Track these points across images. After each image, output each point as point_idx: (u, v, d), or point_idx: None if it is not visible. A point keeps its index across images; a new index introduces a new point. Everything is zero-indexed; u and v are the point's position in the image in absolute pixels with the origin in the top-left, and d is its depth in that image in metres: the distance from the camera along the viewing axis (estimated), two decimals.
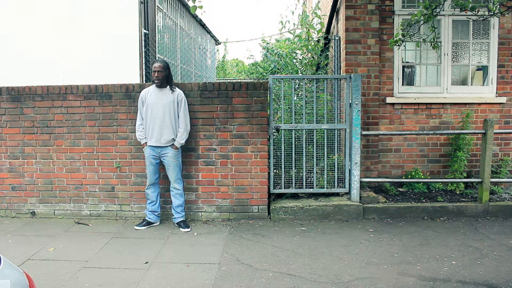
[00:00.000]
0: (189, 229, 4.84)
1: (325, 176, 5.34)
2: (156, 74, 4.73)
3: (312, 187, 5.41)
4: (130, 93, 5.19)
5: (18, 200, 5.41)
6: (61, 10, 7.13)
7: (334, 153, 5.40)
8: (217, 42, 16.80)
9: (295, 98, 5.61)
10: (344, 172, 5.40)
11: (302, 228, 4.88)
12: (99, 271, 3.78)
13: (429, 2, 4.39)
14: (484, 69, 6.20)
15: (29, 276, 2.02)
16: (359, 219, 5.15)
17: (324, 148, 5.33)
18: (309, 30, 7.40)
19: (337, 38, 6.21)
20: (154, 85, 4.83)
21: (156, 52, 8.04)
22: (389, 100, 6.03)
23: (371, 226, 4.91)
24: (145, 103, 4.81)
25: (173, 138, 4.80)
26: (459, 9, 4.38)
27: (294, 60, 7.68)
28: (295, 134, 5.37)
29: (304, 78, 5.72)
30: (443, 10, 5.67)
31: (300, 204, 5.22)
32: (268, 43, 8.88)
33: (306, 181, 5.41)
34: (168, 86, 4.81)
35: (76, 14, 7.09)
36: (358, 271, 3.71)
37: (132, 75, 7.05)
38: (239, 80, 10.56)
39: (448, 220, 5.10)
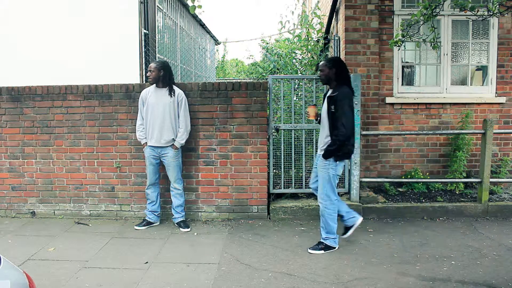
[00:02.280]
0: (189, 229, 4.84)
1: None
2: (147, 74, 4.77)
3: None
4: (130, 93, 5.19)
5: (18, 200, 5.41)
6: (61, 10, 7.13)
7: None
8: (216, 42, 16.81)
9: (294, 98, 5.61)
10: (344, 172, 5.41)
11: (302, 228, 4.88)
12: (99, 271, 3.79)
13: (429, 2, 4.39)
14: (483, 69, 6.21)
15: (29, 276, 2.02)
16: None
17: None
18: (308, 30, 7.40)
19: (336, 38, 6.21)
20: (155, 85, 4.83)
21: (156, 52, 8.04)
22: (388, 100, 6.03)
23: (370, 226, 4.91)
24: (145, 103, 4.81)
25: (173, 138, 4.80)
26: (458, 9, 4.39)
27: (294, 60, 7.67)
28: (294, 134, 5.38)
29: (303, 78, 5.72)
30: (443, 10, 5.67)
31: (300, 204, 5.23)
32: (267, 43, 8.88)
33: (305, 181, 5.41)
34: (168, 86, 4.80)
35: (76, 14, 7.10)
36: (358, 271, 3.72)
37: (132, 75, 7.05)
38: (238, 80, 10.57)
39: (448, 220, 5.11)
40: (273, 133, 5.30)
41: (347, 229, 4.37)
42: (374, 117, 5.97)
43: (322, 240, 4.22)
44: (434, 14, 4.46)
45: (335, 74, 4.07)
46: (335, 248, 4.20)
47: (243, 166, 5.17)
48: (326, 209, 4.14)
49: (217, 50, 17.86)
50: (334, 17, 6.72)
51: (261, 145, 5.17)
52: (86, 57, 7.02)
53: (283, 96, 5.44)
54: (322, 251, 4.15)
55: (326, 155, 4.03)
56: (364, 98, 5.85)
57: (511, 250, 4.15)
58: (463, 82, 6.25)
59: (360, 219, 4.37)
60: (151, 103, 4.77)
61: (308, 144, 5.43)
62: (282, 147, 5.35)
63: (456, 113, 6.07)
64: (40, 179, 5.36)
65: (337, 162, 4.06)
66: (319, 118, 4.36)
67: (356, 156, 5.22)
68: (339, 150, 3.99)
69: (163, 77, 4.75)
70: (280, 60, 7.55)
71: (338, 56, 6.17)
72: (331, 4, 6.56)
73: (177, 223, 4.95)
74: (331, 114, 4.02)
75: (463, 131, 5.66)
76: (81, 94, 5.24)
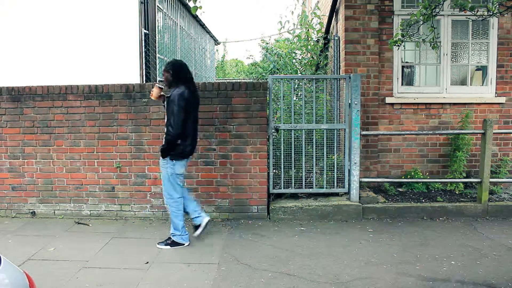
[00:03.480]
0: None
1: (325, 176, 5.35)
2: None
3: (312, 187, 5.42)
4: (130, 93, 5.19)
5: (18, 200, 5.41)
6: (61, 10, 7.13)
7: (334, 153, 5.41)
8: (216, 42, 16.82)
9: (294, 98, 5.62)
10: (344, 172, 5.41)
11: (302, 228, 4.88)
12: (99, 271, 3.79)
13: (429, 2, 4.40)
14: (483, 69, 6.21)
15: (29, 276, 2.03)
16: (359, 219, 5.16)
17: (323, 148, 5.34)
18: (308, 30, 7.41)
19: (336, 38, 6.22)
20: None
21: (156, 52, 8.04)
22: (388, 100, 6.03)
23: (370, 226, 4.91)
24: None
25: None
26: (458, 9, 4.39)
27: (294, 60, 7.68)
28: (294, 134, 5.38)
29: (303, 78, 5.72)
30: (443, 10, 5.68)
31: (300, 204, 5.23)
32: (267, 43, 8.88)
33: (305, 181, 5.41)
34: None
35: (76, 14, 7.10)
36: (358, 271, 3.72)
37: (132, 75, 7.07)
38: (238, 80, 10.57)
39: (448, 220, 5.11)
40: (273, 133, 5.30)
41: (196, 227, 4.50)
42: (374, 117, 5.97)
43: (170, 236, 4.38)
44: (433, 14, 4.47)
45: (172, 76, 4.22)
46: (183, 244, 4.34)
47: (243, 166, 5.17)
48: (170, 206, 4.32)
49: (217, 50, 17.88)
50: (334, 17, 6.72)
51: (261, 145, 5.17)
52: (86, 57, 7.03)
53: (283, 96, 5.44)
54: (169, 247, 4.30)
55: (161, 154, 4.21)
56: (364, 98, 5.85)
57: (511, 250, 4.15)
58: (463, 82, 6.25)
59: (206, 219, 4.47)
60: None
61: (308, 144, 5.44)
62: (282, 147, 5.35)
63: (456, 113, 6.07)
64: (40, 179, 5.36)
65: (174, 161, 4.19)
66: (165, 102, 4.39)
67: (356, 156, 5.22)
68: (172, 149, 4.13)
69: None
70: (280, 60, 7.56)
71: (338, 55, 6.17)
72: (331, 4, 6.56)
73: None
74: (167, 114, 4.20)
75: (463, 131, 5.66)
76: (81, 94, 5.24)
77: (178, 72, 4.21)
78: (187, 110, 4.11)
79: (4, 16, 7.20)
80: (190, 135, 4.20)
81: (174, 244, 4.32)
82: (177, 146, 4.14)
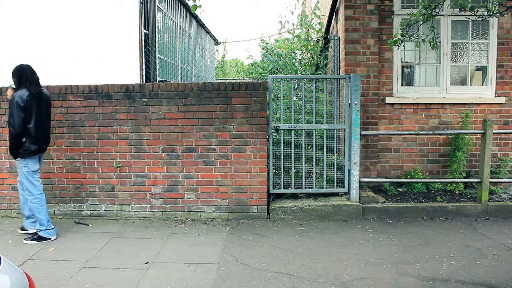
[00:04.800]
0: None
1: (325, 176, 5.35)
2: None
3: (312, 187, 5.42)
4: (130, 93, 5.19)
5: (18, 200, 5.40)
6: (61, 10, 7.13)
7: (334, 153, 5.41)
8: (216, 42, 16.83)
9: (294, 98, 5.62)
10: (344, 172, 5.41)
11: (302, 228, 4.88)
12: (99, 271, 3.79)
13: (428, 2, 4.40)
14: (483, 69, 6.21)
15: (29, 276, 2.03)
16: (359, 219, 5.16)
17: (323, 148, 5.34)
18: (308, 30, 7.41)
19: (336, 38, 6.22)
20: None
21: (156, 52, 8.05)
22: (388, 100, 6.03)
23: (370, 226, 4.91)
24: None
25: None
26: (458, 9, 4.39)
27: (294, 60, 7.69)
28: (294, 134, 5.38)
29: (303, 78, 5.72)
30: (442, 10, 5.68)
31: (300, 204, 5.23)
32: (267, 43, 8.89)
33: (305, 181, 5.41)
34: None
35: (76, 14, 7.10)
36: (358, 271, 3.72)
37: (132, 75, 7.07)
38: (238, 80, 10.57)
39: (447, 220, 5.11)
40: (273, 133, 5.30)
41: (23, 229, 4.77)
42: (374, 117, 5.97)
43: (36, 231, 4.57)
44: (433, 14, 4.47)
45: (17, 81, 4.48)
46: (50, 239, 4.53)
47: (243, 166, 5.18)
48: (32, 203, 4.52)
49: (217, 50, 17.89)
50: (334, 17, 6.72)
51: (261, 145, 5.17)
52: (86, 57, 7.03)
53: (283, 96, 5.44)
54: (35, 242, 4.48)
55: (12, 155, 4.43)
56: (364, 98, 5.85)
57: (511, 250, 4.15)
58: (462, 82, 6.25)
59: (32, 231, 4.64)
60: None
61: (308, 144, 5.44)
62: (282, 147, 5.35)
63: (456, 113, 6.07)
64: (40, 179, 5.35)
65: (25, 159, 4.43)
66: None
67: (356, 156, 5.22)
68: (18, 148, 4.36)
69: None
70: (280, 60, 7.57)
71: (338, 55, 6.17)
72: (330, 4, 6.56)
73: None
74: (8, 116, 4.42)
75: (463, 131, 5.66)
76: (81, 94, 5.24)
77: (20, 76, 4.46)
78: (27, 111, 4.31)
79: (4, 16, 7.20)
80: (35, 134, 4.39)
81: (40, 238, 4.51)
82: (22, 145, 4.36)
